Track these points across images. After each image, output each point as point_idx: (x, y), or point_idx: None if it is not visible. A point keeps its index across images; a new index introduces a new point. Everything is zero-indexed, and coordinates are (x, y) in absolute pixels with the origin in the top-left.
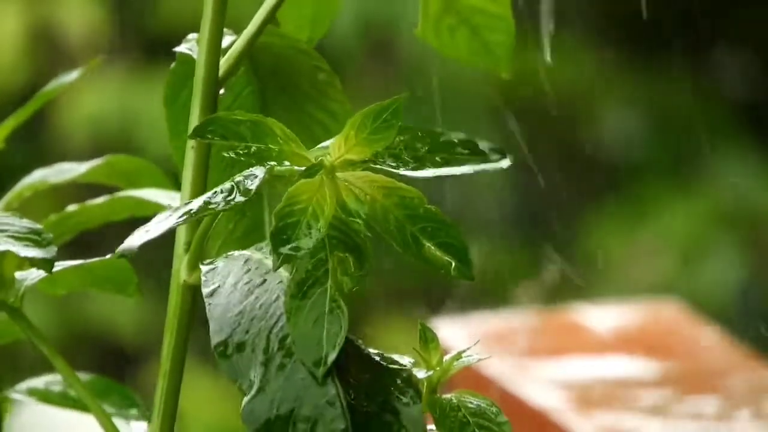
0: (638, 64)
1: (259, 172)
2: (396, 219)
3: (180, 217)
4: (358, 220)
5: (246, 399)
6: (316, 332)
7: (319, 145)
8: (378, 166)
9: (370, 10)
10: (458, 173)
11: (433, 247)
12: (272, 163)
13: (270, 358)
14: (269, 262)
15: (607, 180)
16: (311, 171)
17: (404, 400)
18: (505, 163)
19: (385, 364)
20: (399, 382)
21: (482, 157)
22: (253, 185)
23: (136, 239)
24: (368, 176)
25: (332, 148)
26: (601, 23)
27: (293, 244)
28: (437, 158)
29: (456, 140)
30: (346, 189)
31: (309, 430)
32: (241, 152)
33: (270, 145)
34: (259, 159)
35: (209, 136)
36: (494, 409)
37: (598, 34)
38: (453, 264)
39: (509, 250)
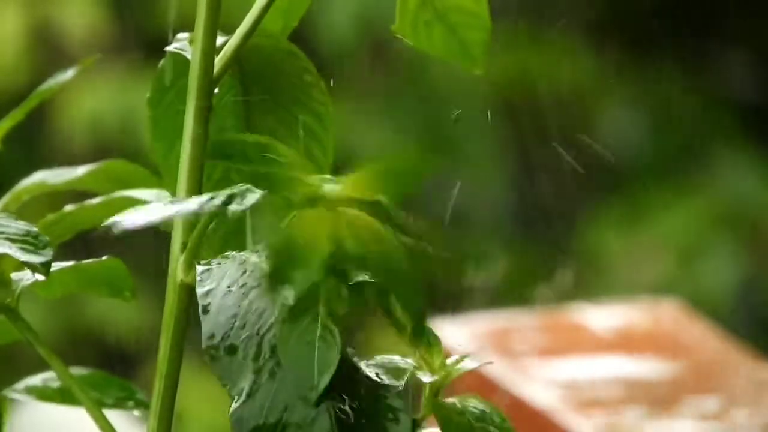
0: (638, 64)
1: (256, 193)
2: (374, 267)
3: (175, 212)
4: (352, 257)
5: (234, 405)
6: (306, 359)
7: (324, 177)
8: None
9: (368, 11)
10: None
11: (396, 305)
12: (270, 188)
13: (261, 365)
14: (265, 266)
15: (607, 180)
16: (312, 203)
17: (393, 416)
18: None
19: (376, 378)
20: (389, 397)
21: None
22: (251, 199)
23: (127, 221)
24: (363, 217)
25: (342, 185)
26: (601, 23)
27: (289, 275)
28: None
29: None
30: (345, 224)
31: None
32: (247, 176)
33: (277, 170)
34: (264, 182)
35: (220, 158)
36: (499, 415)
37: (598, 34)
38: (409, 327)
39: (509, 250)
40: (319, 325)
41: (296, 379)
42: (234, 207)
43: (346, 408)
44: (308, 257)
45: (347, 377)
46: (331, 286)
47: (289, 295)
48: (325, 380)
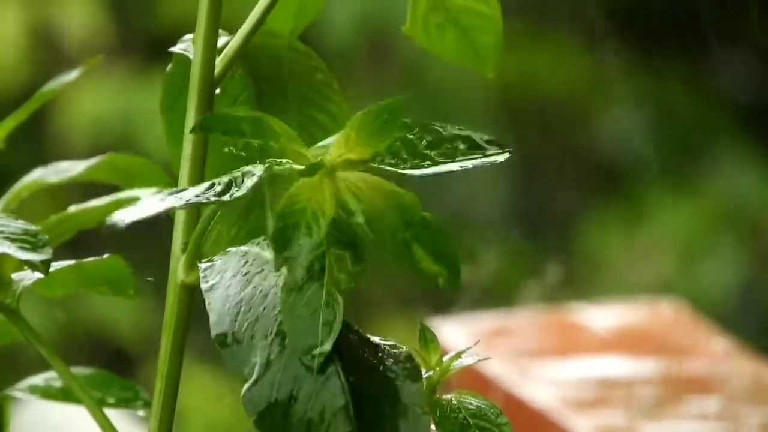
0: (638, 64)
1: (258, 170)
2: (391, 224)
3: (175, 201)
4: (358, 220)
5: (246, 386)
6: (311, 324)
7: (318, 144)
8: (377, 165)
9: (369, 11)
10: (457, 169)
11: (424, 256)
12: (272, 160)
13: (269, 344)
14: (267, 254)
15: (607, 180)
16: (311, 170)
17: (403, 378)
18: (503, 156)
19: (383, 345)
20: (397, 360)
21: (481, 151)
22: (250, 182)
23: (125, 216)
24: (368, 177)
25: (332, 148)
26: (601, 23)
27: (294, 246)
28: (436, 154)
29: (455, 134)
30: (346, 188)
31: (309, 409)
32: (241, 148)
33: (270, 142)
34: (260, 156)
35: (210, 131)
36: (495, 411)
37: (598, 34)
38: (442, 274)
39: (509, 250)
40: (324, 292)
41: (298, 347)
42: (234, 192)
43: (355, 372)
44: (312, 222)
45: (353, 343)
46: (337, 254)
47: (295, 260)
48: (328, 345)
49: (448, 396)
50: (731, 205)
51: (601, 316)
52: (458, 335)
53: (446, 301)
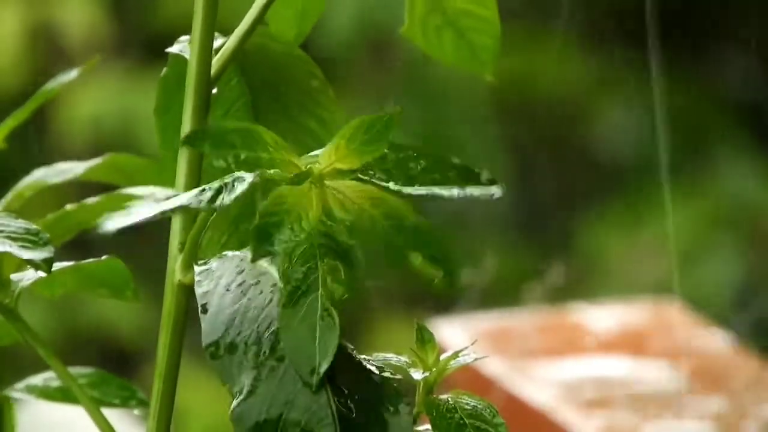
0: (638, 64)
1: (249, 176)
2: (383, 229)
3: (164, 209)
4: (341, 227)
5: (235, 402)
6: (308, 342)
7: (310, 153)
8: (367, 179)
9: (368, 11)
10: (446, 195)
11: (419, 259)
12: (262, 171)
13: (261, 362)
14: (263, 263)
15: (607, 180)
16: (299, 178)
17: (394, 410)
18: (497, 191)
19: (377, 372)
20: (390, 391)
21: (474, 182)
22: (240, 188)
23: (114, 223)
24: (357, 186)
25: (322, 157)
26: (601, 23)
27: (274, 242)
28: (427, 179)
29: (451, 164)
30: (333, 196)
31: None
32: (231, 160)
33: (260, 153)
34: (250, 167)
35: (199, 145)
36: (491, 411)
37: (598, 34)
38: (440, 276)
39: (509, 250)
40: (319, 307)
41: (298, 365)
42: (224, 199)
43: (346, 401)
44: (295, 223)
45: (347, 370)
46: (330, 265)
47: (276, 255)
48: (326, 364)
49: (444, 396)
50: (731, 205)
51: (601, 316)
52: (458, 335)
53: (446, 302)
